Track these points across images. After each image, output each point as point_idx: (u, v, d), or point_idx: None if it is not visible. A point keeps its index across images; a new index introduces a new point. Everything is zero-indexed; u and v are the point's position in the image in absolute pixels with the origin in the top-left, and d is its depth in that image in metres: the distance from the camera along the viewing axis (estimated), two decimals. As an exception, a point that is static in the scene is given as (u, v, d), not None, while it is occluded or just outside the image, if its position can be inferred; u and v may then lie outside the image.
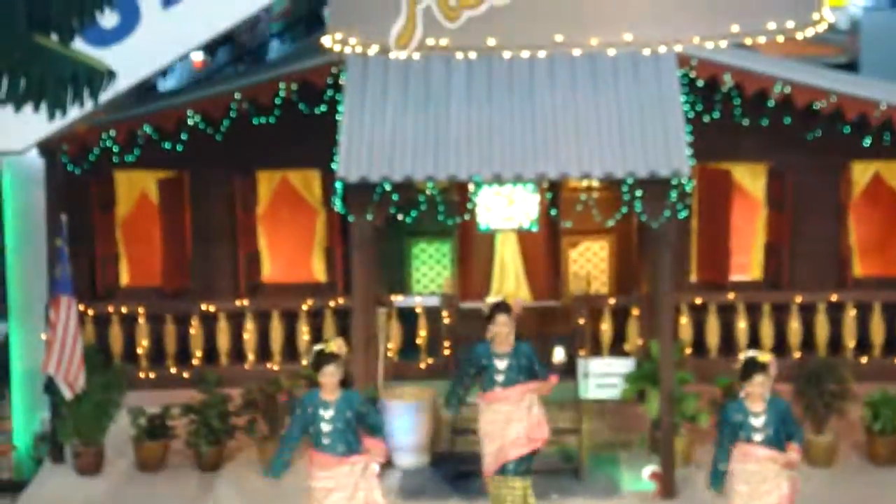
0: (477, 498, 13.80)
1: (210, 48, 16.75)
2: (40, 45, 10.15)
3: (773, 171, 16.00)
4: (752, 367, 11.49)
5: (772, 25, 10.04)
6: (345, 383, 11.86)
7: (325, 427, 11.74)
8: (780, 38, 10.19)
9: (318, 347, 11.91)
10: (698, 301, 15.83)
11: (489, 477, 13.20)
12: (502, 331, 12.92)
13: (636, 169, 13.70)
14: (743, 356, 11.67)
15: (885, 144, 15.63)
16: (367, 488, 11.87)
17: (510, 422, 13.03)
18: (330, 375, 11.66)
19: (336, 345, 11.78)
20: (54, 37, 10.28)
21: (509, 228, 16.30)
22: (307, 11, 22.07)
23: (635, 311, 15.66)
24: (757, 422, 11.53)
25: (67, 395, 14.45)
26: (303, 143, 15.77)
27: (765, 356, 11.56)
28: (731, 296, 15.82)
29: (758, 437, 11.54)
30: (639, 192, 13.77)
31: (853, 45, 19.51)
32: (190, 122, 15.45)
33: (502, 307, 12.99)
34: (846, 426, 14.80)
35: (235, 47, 25.40)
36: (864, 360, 15.69)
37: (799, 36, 10.35)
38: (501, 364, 12.98)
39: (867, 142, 15.60)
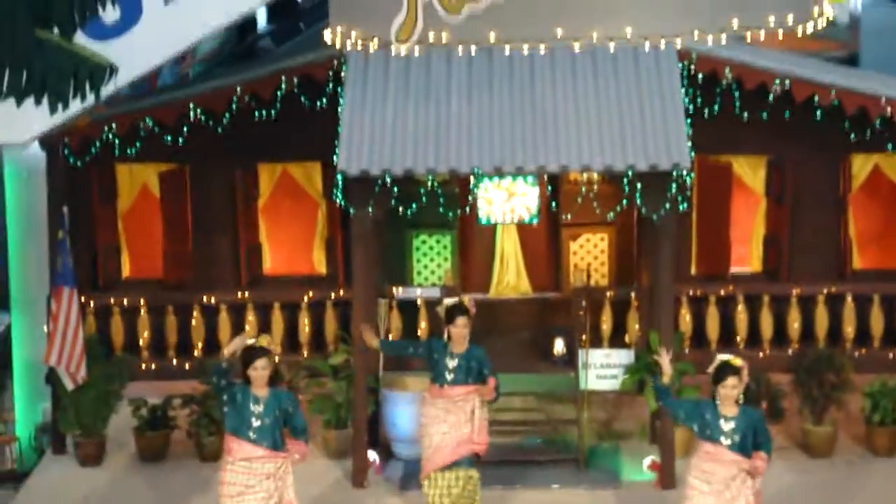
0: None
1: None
2: (42, 40, 10.17)
3: (772, 164, 16.04)
4: (725, 370, 11.44)
5: (772, 20, 10.08)
6: (273, 380, 11.80)
7: (255, 422, 11.61)
8: (780, 33, 10.22)
9: (249, 341, 11.76)
10: (698, 293, 15.88)
11: (426, 477, 12.94)
12: (461, 332, 12.83)
13: (636, 162, 13.74)
14: (716, 360, 11.63)
15: (884, 138, 15.66)
16: (284, 487, 11.84)
17: (453, 421, 12.89)
18: (261, 369, 11.57)
19: (266, 340, 11.72)
20: (56, 31, 10.30)
21: (510, 221, 16.34)
22: (240, 49, 21.79)
23: (635, 303, 15.70)
24: (726, 426, 11.40)
25: (69, 386, 14.51)
26: (304, 137, 15.81)
27: (737, 360, 11.53)
28: (730, 288, 15.87)
29: (725, 440, 11.40)
30: (639, 185, 13.81)
31: (853, 40, 19.50)
32: (191, 115, 15.48)
33: (460, 309, 12.89)
34: (845, 417, 14.86)
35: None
36: (863, 351, 15.74)
37: (799, 31, 10.37)
38: (452, 363, 12.84)
39: (867, 135, 15.63)
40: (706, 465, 11.47)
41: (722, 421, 11.37)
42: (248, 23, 21.45)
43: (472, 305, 12.94)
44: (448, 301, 13.01)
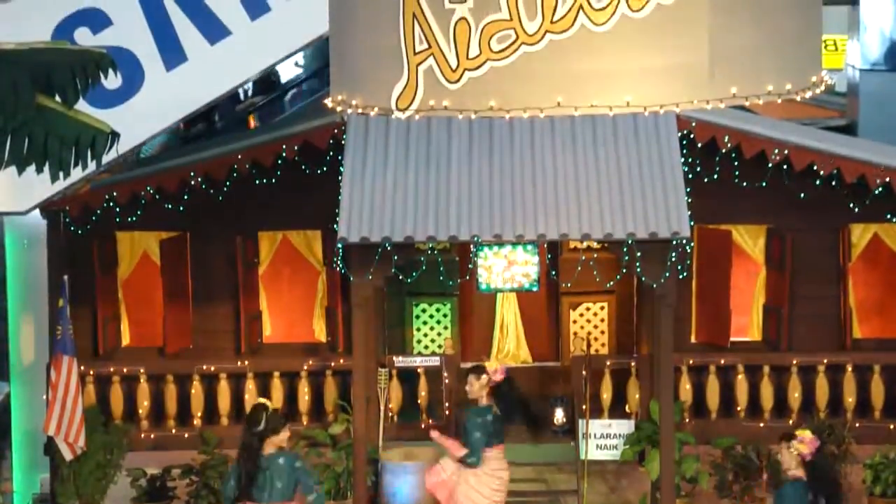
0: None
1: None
2: (44, 107, 10.20)
3: (772, 233, 16.06)
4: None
5: (770, 87, 10.09)
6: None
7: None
8: (779, 100, 10.25)
9: (269, 409, 12.49)
10: (698, 362, 15.84)
11: None
12: (469, 389, 13.58)
13: (636, 230, 13.77)
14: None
15: (883, 207, 15.69)
16: None
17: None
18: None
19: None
20: (58, 98, 10.34)
21: (509, 289, 16.34)
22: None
23: (635, 372, 15.66)
24: None
25: (68, 456, 14.44)
26: (304, 204, 15.84)
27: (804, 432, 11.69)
28: (731, 357, 15.83)
29: None
30: (639, 254, 13.83)
31: (852, 108, 19.59)
32: (192, 182, 15.52)
33: (472, 369, 13.65)
34: (847, 489, 14.75)
35: None
36: (863, 422, 15.66)
37: (797, 98, 10.40)
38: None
39: (866, 204, 15.66)
40: None
41: None
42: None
43: (501, 371, 13.31)
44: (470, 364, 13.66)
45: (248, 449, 12.26)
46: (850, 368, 15.72)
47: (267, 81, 23.76)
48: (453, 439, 13.67)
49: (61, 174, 10.23)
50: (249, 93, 26.90)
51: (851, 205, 15.74)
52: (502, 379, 13.63)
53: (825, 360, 15.74)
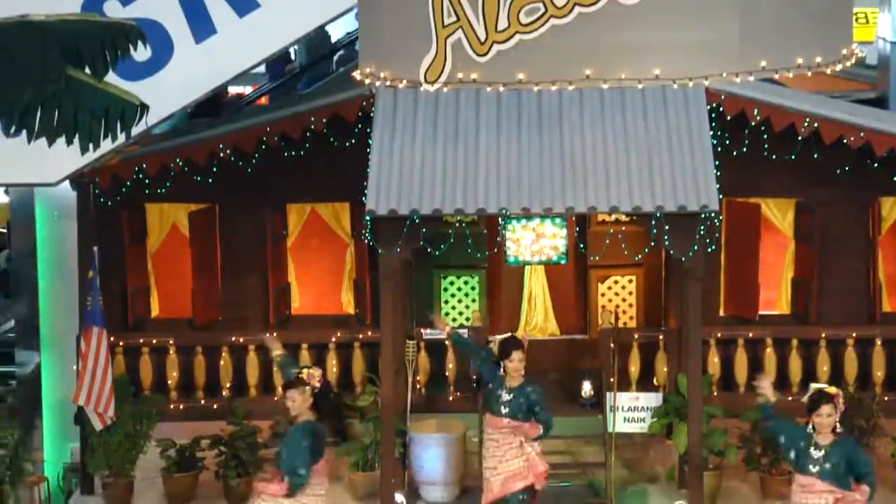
0: (504, 531, 13.79)
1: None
2: (73, 79, 10.23)
3: (801, 206, 15.99)
4: (819, 398, 11.41)
5: (800, 60, 10.05)
6: (320, 412, 12.23)
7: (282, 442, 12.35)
8: (809, 73, 10.20)
9: (295, 371, 12.42)
10: (727, 335, 15.82)
11: None
12: (517, 367, 13.12)
13: (665, 203, 13.74)
14: (810, 388, 11.60)
15: (914, 179, 15.64)
16: None
17: (505, 454, 13.10)
18: (290, 400, 12.11)
19: (308, 374, 12.21)
20: (87, 70, 10.37)
21: (537, 262, 16.34)
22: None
23: (663, 345, 15.65)
24: (816, 454, 11.33)
25: (97, 426, 14.54)
26: (332, 176, 15.86)
27: (831, 388, 11.49)
28: (759, 330, 15.81)
29: (813, 468, 11.34)
30: (667, 227, 13.81)
31: (882, 81, 19.45)
32: (221, 154, 15.56)
33: (515, 343, 13.17)
34: (875, 462, 14.68)
35: None
36: (892, 395, 15.63)
37: (827, 71, 10.35)
38: (506, 397, 13.12)
39: (896, 177, 15.61)
40: (798, 498, 11.35)
41: (813, 449, 11.28)
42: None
43: (525, 341, 13.15)
44: (500, 336, 13.22)
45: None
46: (878, 342, 15.68)
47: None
48: (520, 422, 13.26)
49: (91, 146, 10.26)
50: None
51: (882, 178, 15.66)
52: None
53: (854, 334, 15.70)
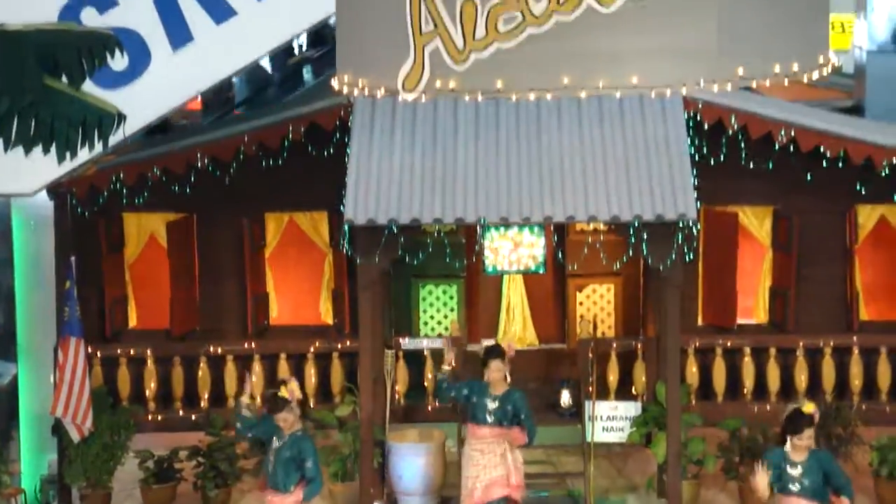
0: (483, 541, 13.77)
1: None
2: (50, 88, 10.20)
3: (778, 214, 16.04)
4: (801, 420, 11.31)
5: (777, 68, 10.08)
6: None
7: (271, 464, 12.13)
8: (786, 82, 10.22)
9: (271, 392, 12.42)
10: (705, 344, 15.84)
11: None
12: (495, 375, 13.09)
13: (643, 212, 13.76)
14: (789, 408, 11.54)
15: (890, 188, 15.67)
16: None
17: (488, 462, 13.09)
18: (282, 420, 12.10)
19: (288, 390, 12.15)
20: (64, 80, 10.34)
21: (516, 271, 16.34)
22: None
23: (641, 354, 15.67)
24: (794, 471, 11.31)
25: (75, 437, 14.48)
26: (310, 185, 15.84)
27: (810, 406, 11.44)
28: (737, 339, 15.83)
29: (794, 486, 11.31)
30: (645, 235, 13.82)
31: (859, 89, 19.56)
32: (198, 164, 15.53)
33: (494, 352, 13.15)
34: (853, 470, 14.76)
35: None
36: (870, 404, 15.66)
37: (804, 79, 10.38)
38: (492, 405, 13.11)
39: (872, 185, 15.65)
40: None
41: (790, 468, 11.25)
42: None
43: (511, 349, 13.14)
44: (486, 342, 13.23)
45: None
46: (856, 350, 15.73)
47: (320, 34, 23.82)
48: (506, 428, 13.26)
49: (68, 155, 10.22)
50: (304, 47, 26.88)
51: (858, 186, 15.72)
52: None
53: (831, 343, 15.75)
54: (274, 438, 12.17)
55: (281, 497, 12.01)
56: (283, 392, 12.07)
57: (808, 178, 15.71)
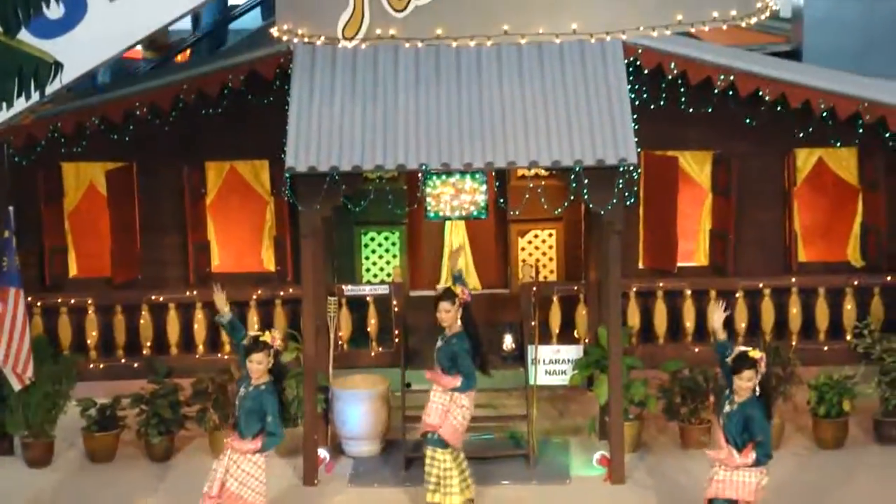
0: (428, 485, 13.88)
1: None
2: (-15, 38, 10.11)
3: (718, 158, 16.15)
4: (742, 361, 11.53)
5: (715, 14, 10.14)
6: (277, 375, 12.20)
7: (237, 404, 12.19)
8: (724, 27, 10.29)
9: (254, 333, 12.33)
10: (646, 287, 15.96)
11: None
12: (442, 316, 13.24)
13: (583, 157, 13.80)
14: (735, 350, 11.72)
15: (827, 131, 15.81)
16: (228, 476, 12.14)
17: (437, 398, 13.30)
18: (255, 363, 12.02)
19: (270, 336, 12.10)
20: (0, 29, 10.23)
21: (458, 217, 16.37)
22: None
23: (583, 298, 15.77)
24: (728, 408, 11.60)
25: (16, 386, 14.41)
26: (251, 134, 15.79)
27: (755, 352, 11.61)
28: (677, 282, 15.96)
29: (723, 421, 11.64)
30: (586, 181, 13.87)
31: (796, 34, 19.63)
32: (137, 112, 15.43)
33: (444, 295, 13.26)
34: (792, 410, 14.99)
35: None
36: (808, 344, 15.86)
37: (742, 24, 10.45)
38: (440, 343, 13.28)
39: (810, 129, 15.77)
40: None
41: (727, 404, 11.55)
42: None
43: (466, 294, 13.15)
44: (439, 287, 13.51)
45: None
46: (794, 291, 15.90)
47: None
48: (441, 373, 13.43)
49: (4, 105, 10.15)
50: None
51: (796, 130, 15.84)
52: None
53: (771, 284, 15.91)
54: (242, 387, 12.16)
55: (240, 442, 12.09)
56: (266, 336, 12.09)
57: (747, 122, 15.82)
